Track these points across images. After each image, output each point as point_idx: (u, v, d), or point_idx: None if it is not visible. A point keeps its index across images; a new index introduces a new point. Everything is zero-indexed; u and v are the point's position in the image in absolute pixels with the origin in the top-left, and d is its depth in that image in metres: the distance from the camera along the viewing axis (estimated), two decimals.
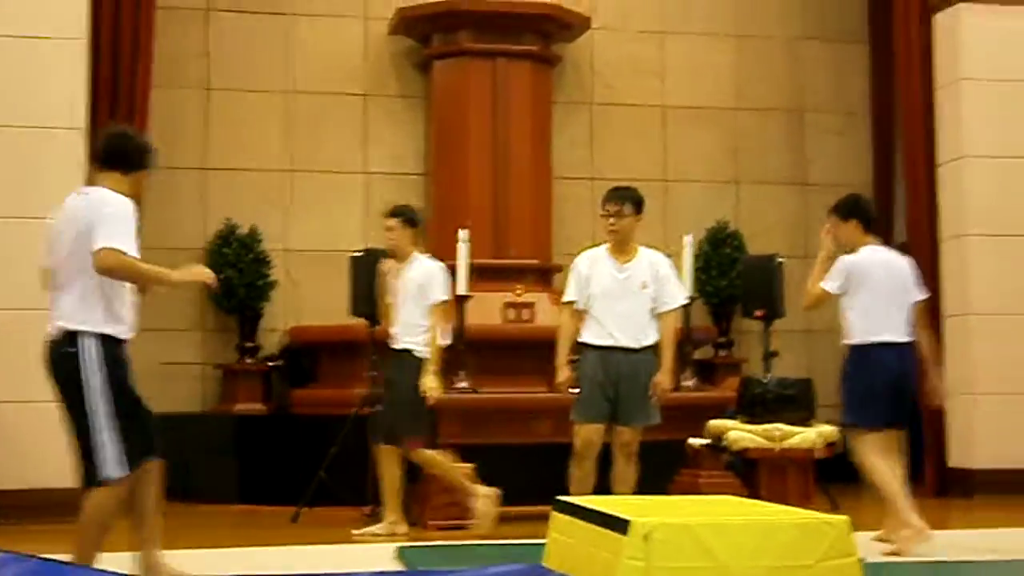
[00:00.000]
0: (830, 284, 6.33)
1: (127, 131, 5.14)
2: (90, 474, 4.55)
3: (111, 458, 4.49)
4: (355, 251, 8.33)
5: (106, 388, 4.50)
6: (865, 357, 6.26)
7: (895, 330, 6.27)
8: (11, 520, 7.11)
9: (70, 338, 4.54)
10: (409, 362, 7.05)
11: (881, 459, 6.19)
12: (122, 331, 4.64)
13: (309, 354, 9.74)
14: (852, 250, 6.38)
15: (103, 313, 4.58)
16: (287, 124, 10.27)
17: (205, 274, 4.90)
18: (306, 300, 10.04)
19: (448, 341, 7.21)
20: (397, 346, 7.17)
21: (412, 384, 6.98)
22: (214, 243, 9.82)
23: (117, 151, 4.83)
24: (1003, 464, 8.93)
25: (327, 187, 10.27)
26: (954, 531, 7.22)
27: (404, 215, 7.29)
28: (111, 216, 4.55)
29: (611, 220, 6.74)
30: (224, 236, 9.79)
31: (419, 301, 7.10)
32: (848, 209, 6.47)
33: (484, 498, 7.05)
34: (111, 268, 4.51)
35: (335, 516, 7.75)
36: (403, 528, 7.03)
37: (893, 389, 6.22)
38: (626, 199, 6.76)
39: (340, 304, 8.41)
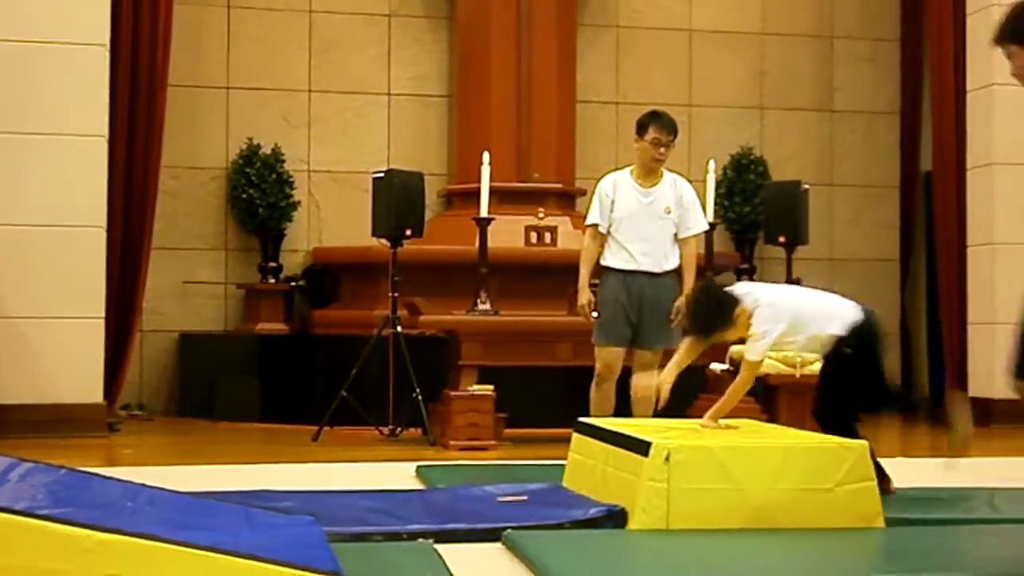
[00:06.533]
0: None
1: None
2: None
3: None
4: (377, 172, 8.31)
5: None
6: None
7: None
8: (29, 434, 7.18)
9: None
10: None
11: None
12: None
13: (331, 275, 9.77)
14: None
15: None
16: (310, 43, 10.20)
17: None
18: (328, 221, 10.05)
19: None
20: None
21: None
22: (237, 163, 9.81)
23: None
24: None
25: (350, 108, 10.22)
26: (973, 459, 7.23)
27: None
28: None
29: (662, 150, 6.67)
30: (247, 156, 9.78)
31: None
32: None
33: None
34: None
35: (356, 436, 7.81)
36: None
37: None
38: (675, 130, 6.70)
39: (362, 225, 8.41)
